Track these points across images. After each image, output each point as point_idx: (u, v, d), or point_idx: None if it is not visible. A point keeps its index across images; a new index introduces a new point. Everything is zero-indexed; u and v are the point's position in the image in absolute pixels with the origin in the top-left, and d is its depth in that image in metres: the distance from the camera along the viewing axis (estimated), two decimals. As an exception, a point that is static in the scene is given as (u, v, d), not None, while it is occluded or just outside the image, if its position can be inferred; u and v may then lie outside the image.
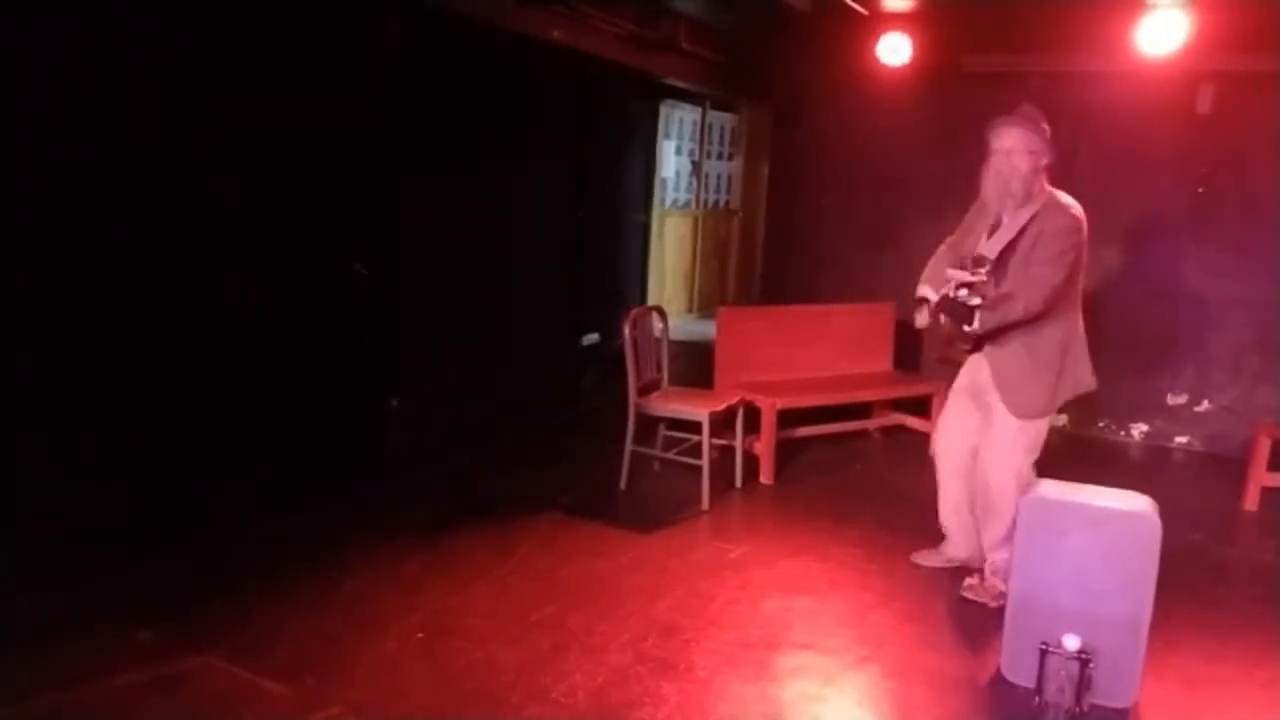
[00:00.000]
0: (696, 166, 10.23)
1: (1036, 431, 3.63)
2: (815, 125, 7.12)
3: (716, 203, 10.61)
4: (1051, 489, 3.07)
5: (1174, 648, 3.33)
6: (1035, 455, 3.67)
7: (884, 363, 6.06)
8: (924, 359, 6.11)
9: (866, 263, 6.98)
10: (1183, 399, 6.27)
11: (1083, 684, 2.86)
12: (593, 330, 6.68)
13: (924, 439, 5.74)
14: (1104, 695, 2.94)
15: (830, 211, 7.09)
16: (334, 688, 2.92)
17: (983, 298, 3.29)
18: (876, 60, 6.26)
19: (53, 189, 3.39)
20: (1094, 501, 3.00)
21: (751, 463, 5.12)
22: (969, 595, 3.76)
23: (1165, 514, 2.97)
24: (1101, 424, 6.49)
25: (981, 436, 3.74)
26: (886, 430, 6.05)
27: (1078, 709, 2.87)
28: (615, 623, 3.42)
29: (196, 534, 3.85)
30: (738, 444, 4.98)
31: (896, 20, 6.16)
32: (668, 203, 9.61)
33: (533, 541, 4.14)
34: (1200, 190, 6.05)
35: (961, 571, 3.92)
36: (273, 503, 4.15)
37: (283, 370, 4.30)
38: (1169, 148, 6.06)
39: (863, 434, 5.99)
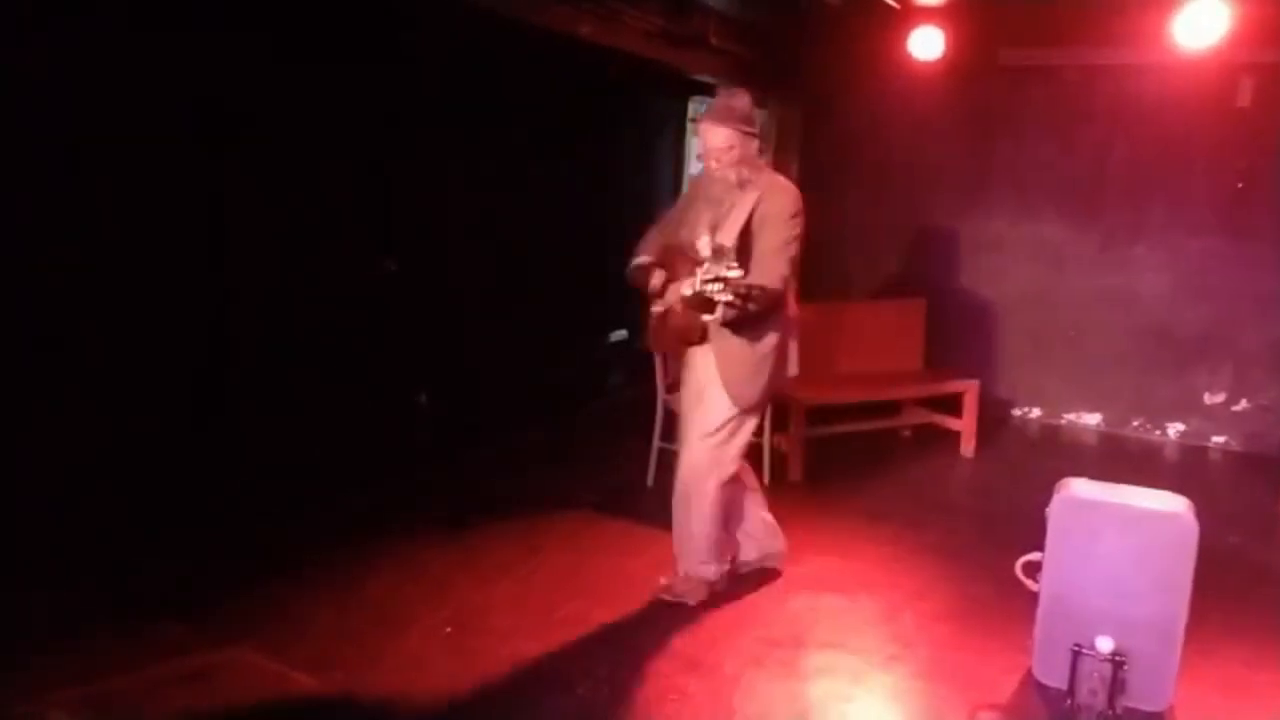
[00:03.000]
0: (725, 162, 10.16)
1: (744, 428, 3.50)
2: (846, 121, 7.05)
3: (746, 199, 10.53)
4: (1085, 489, 3.02)
5: (1210, 652, 3.25)
6: (738, 456, 3.51)
7: (915, 360, 6.01)
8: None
9: (897, 259, 6.92)
10: (1220, 398, 6.15)
11: (1115, 686, 2.81)
12: (620, 327, 6.67)
13: (955, 437, 5.68)
14: (1138, 698, 2.89)
15: (861, 207, 7.02)
16: (361, 680, 2.94)
17: (732, 292, 3.06)
18: (909, 54, 6.20)
19: (78, 184, 3.44)
20: (1129, 502, 2.95)
21: (780, 460, 5.08)
22: (665, 597, 3.55)
23: (1202, 515, 2.91)
24: (1136, 423, 6.38)
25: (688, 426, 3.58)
26: (917, 428, 5.99)
27: (1110, 712, 2.82)
28: (641, 619, 3.42)
29: (227, 529, 3.89)
30: (766, 441, 4.95)
31: (929, 14, 6.09)
32: (696, 199, 9.55)
33: (559, 537, 4.15)
34: (1240, 185, 5.93)
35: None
36: (302, 498, 4.18)
37: (311, 365, 4.33)
38: (1207, 141, 5.95)
39: (892, 432, 5.93)
